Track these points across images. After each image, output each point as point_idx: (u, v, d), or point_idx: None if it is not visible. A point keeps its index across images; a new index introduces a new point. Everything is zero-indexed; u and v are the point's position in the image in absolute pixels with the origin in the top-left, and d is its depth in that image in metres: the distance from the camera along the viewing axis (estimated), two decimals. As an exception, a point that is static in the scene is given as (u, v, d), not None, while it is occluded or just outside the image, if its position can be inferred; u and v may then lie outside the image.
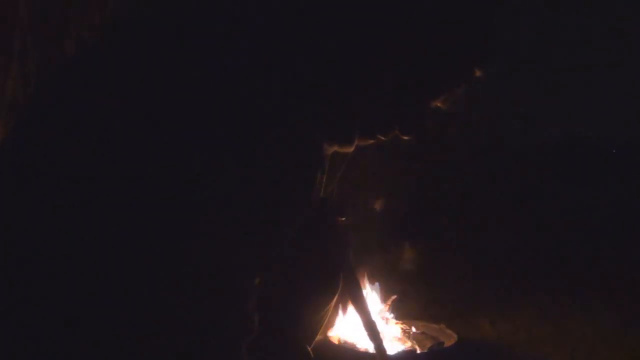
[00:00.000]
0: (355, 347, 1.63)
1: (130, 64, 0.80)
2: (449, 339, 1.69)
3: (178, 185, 0.73)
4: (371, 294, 1.78)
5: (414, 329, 1.80)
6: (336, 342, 1.64)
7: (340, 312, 1.68)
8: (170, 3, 0.88)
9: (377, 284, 1.82)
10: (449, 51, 0.91)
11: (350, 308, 1.65)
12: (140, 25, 0.86)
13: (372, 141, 0.98)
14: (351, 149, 0.91)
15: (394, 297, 1.81)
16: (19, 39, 1.51)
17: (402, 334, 1.75)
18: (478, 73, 0.94)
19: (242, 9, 0.85)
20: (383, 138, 0.98)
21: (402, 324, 1.80)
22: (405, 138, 0.97)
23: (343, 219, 1.14)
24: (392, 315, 1.80)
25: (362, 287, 1.74)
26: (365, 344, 1.60)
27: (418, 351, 1.61)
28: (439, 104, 0.98)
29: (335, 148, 0.89)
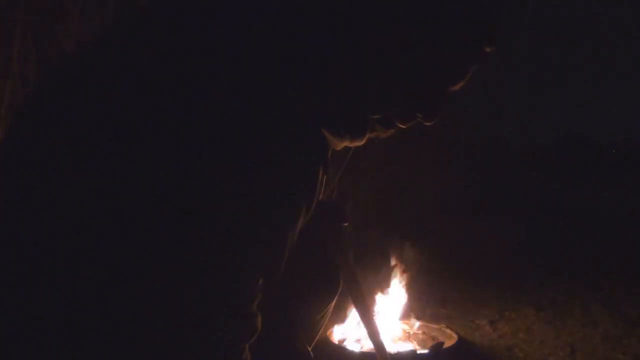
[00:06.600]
0: (356, 347, 1.63)
1: (130, 63, 0.80)
2: (449, 339, 1.69)
3: (180, 186, 0.73)
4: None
5: (414, 329, 1.80)
6: (336, 342, 1.65)
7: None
8: (170, 3, 0.88)
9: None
10: (462, 29, 0.90)
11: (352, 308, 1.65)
12: (140, 25, 0.86)
13: (391, 131, 0.98)
14: (363, 142, 0.90)
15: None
16: (19, 39, 1.51)
17: (402, 334, 1.76)
18: (489, 50, 0.93)
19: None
20: (403, 126, 0.97)
21: (402, 324, 1.81)
22: (428, 124, 0.95)
23: (346, 224, 1.13)
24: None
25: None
26: (366, 344, 1.60)
27: (418, 351, 1.61)
28: (455, 88, 0.96)
29: (347, 142, 0.88)
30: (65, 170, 0.75)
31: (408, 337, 1.75)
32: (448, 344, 1.65)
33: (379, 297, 1.77)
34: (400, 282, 1.81)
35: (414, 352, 1.61)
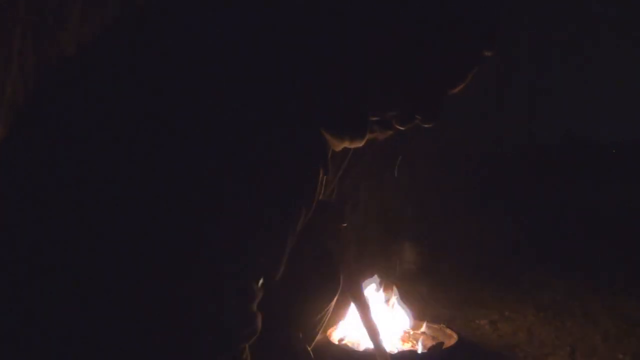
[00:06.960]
0: (355, 347, 1.63)
1: (130, 63, 0.80)
2: (449, 339, 1.69)
3: (180, 186, 0.73)
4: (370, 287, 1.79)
5: (414, 329, 1.80)
6: (336, 342, 1.65)
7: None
8: (170, 3, 0.88)
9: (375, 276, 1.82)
10: (462, 29, 0.89)
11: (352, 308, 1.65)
12: (140, 25, 0.86)
13: (389, 132, 0.97)
14: (362, 143, 0.90)
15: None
16: (19, 39, 1.51)
17: (402, 334, 1.75)
18: (488, 53, 0.93)
19: None
20: (401, 128, 0.97)
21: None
22: (427, 126, 0.95)
23: (344, 225, 1.13)
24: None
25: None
26: (366, 344, 1.60)
27: (418, 351, 1.61)
28: (455, 90, 0.96)
29: (346, 143, 0.88)
30: (66, 170, 0.75)
31: (408, 337, 1.75)
32: (448, 344, 1.65)
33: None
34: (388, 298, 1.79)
35: (414, 352, 1.61)
